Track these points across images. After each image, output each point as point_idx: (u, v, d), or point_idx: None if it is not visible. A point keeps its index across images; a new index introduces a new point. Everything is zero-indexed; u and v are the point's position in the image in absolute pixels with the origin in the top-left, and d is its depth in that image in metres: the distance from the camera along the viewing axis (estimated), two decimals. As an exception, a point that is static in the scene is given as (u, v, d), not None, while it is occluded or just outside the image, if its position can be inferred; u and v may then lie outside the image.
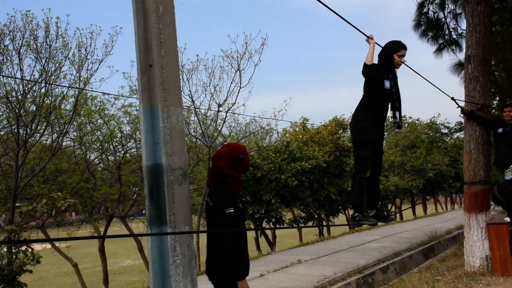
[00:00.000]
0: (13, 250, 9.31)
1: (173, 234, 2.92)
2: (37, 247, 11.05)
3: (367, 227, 19.70)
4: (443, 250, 14.15)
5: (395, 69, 5.39)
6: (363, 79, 5.25)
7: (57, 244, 16.78)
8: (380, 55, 5.35)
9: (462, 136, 11.60)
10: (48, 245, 16.97)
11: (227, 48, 14.56)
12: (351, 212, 24.70)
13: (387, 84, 5.18)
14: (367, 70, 5.06)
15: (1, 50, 11.41)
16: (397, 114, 5.26)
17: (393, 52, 5.27)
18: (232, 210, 3.96)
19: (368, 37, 5.14)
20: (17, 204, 11.44)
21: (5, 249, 9.26)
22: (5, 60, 11.52)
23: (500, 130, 8.52)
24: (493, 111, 12.17)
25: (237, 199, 4.14)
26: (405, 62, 5.34)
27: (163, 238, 2.99)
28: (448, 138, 35.35)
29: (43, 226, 15.54)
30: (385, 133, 36.02)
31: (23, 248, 9.31)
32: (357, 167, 5.27)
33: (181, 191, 3.04)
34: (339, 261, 11.51)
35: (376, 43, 5.21)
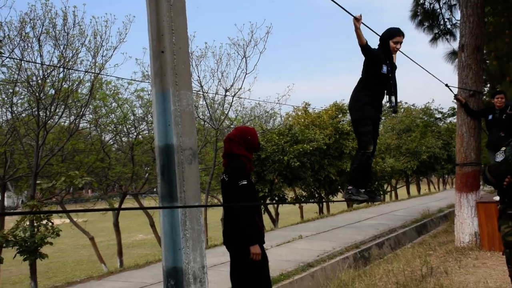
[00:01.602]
0: (35, 224, 9.42)
1: (183, 207, 2.94)
2: (56, 221, 11.16)
3: (364, 205, 19.76)
4: (435, 227, 14.19)
5: (393, 56, 5.28)
6: (362, 66, 5.19)
7: (74, 218, 16.92)
8: (379, 41, 5.27)
9: (455, 120, 11.55)
10: (67, 220, 17.10)
11: (234, 36, 14.49)
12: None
13: (384, 68, 5.09)
14: (364, 49, 4.94)
15: (23, 37, 11.40)
16: (393, 98, 5.18)
17: (389, 38, 5.16)
18: (245, 183, 4.15)
19: (355, 17, 4.77)
20: (38, 182, 11.51)
21: (28, 223, 9.36)
22: (26, 47, 11.54)
23: (490, 116, 8.48)
24: (484, 97, 12.11)
25: (250, 174, 4.29)
26: (399, 49, 5.23)
27: (174, 213, 3.02)
28: (442, 122, 35.33)
29: (62, 202, 15.66)
30: (382, 118, 36.03)
31: (44, 222, 9.42)
32: (359, 143, 5.19)
33: (190, 170, 3.06)
34: (338, 237, 11.57)
35: (369, 28, 5.06)
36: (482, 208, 8.55)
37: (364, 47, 4.92)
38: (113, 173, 16.36)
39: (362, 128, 5.09)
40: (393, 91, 5.20)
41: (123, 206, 17.30)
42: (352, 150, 19.44)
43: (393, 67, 5.28)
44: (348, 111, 5.60)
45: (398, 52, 5.37)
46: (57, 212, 2.06)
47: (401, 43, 5.22)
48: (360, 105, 5.12)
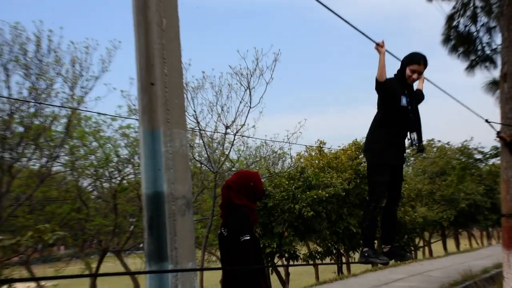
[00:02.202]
0: (-6, 289, 9.31)
1: (175, 272, 2.91)
2: (20, 286, 11.02)
3: (392, 264, 19.49)
4: (478, 292, 13.95)
5: (411, 85, 5.26)
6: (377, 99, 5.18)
7: (43, 283, 16.73)
8: (400, 66, 5.25)
9: (499, 162, 11.49)
10: (33, 284, 16.90)
11: (235, 64, 14.67)
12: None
13: (403, 100, 5.05)
14: (379, 86, 4.94)
15: (-14, 66, 11.57)
16: (414, 135, 5.13)
17: (407, 64, 5.14)
18: (248, 237, 4.06)
19: (377, 44, 4.91)
20: None
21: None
22: (-11, 77, 11.68)
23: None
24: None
25: (253, 228, 4.21)
26: (415, 79, 5.18)
27: (163, 276, 2.99)
28: (483, 164, 35.22)
29: (27, 262, 15.51)
30: (411, 159, 36.03)
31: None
32: (371, 194, 5.14)
33: (184, 223, 3.05)
34: (361, 303, 11.38)
35: (388, 51, 5.05)
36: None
37: (381, 84, 4.92)
38: (92, 226, 16.27)
39: (377, 177, 5.04)
40: (414, 126, 5.15)
41: (102, 265, 17.12)
42: (368, 196, 19.31)
43: (414, 98, 5.24)
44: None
45: (425, 80, 5.41)
46: (17, 281, 2.05)
47: (420, 73, 5.16)
48: (379, 147, 5.07)
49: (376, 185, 5.03)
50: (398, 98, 5.02)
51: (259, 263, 4.23)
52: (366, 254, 5.01)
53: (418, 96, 5.45)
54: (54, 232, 9.55)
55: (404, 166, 5.52)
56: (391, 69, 5.22)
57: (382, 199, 5.00)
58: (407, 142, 5.22)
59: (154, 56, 2.99)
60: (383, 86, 4.92)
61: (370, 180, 5.17)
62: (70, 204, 14.83)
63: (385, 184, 5.01)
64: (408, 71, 5.10)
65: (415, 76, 5.12)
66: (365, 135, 5.34)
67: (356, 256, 23.55)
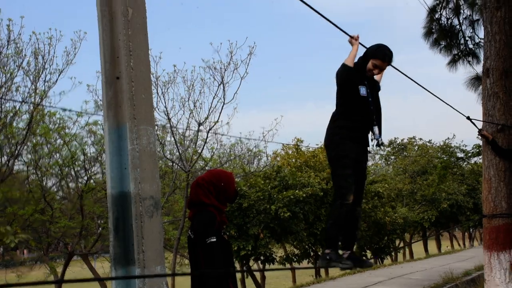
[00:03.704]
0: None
1: (140, 278, 2.89)
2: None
3: (373, 267, 19.65)
4: (460, 295, 14.12)
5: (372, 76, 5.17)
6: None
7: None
8: (363, 55, 5.15)
9: (481, 161, 11.66)
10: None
11: (209, 58, 14.62)
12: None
13: (362, 90, 4.94)
14: (345, 70, 4.89)
15: None
16: (376, 129, 5.00)
17: (370, 57, 5.03)
18: (214, 240, 3.99)
19: (351, 37, 4.95)
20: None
21: None
22: None
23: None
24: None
25: (221, 230, 4.19)
26: (374, 74, 5.11)
27: (130, 281, 2.96)
28: (465, 163, 35.68)
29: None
30: (392, 157, 36.35)
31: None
32: (335, 190, 4.99)
33: (151, 225, 3.02)
34: (339, 307, 11.44)
35: (361, 44, 5.04)
36: (517, 270, 8.54)
37: (349, 69, 4.89)
38: (57, 228, 16.11)
39: (339, 170, 4.91)
40: (375, 119, 5.03)
41: (68, 269, 16.97)
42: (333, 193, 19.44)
43: (374, 89, 5.16)
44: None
45: (405, 76, 5.38)
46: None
47: (381, 69, 5.11)
48: (338, 139, 4.95)
49: (341, 179, 4.88)
50: (356, 88, 4.93)
51: (227, 266, 4.19)
52: (328, 257, 4.84)
53: (376, 88, 5.34)
54: (16, 235, 9.41)
55: (367, 162, 5.35)
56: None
57: (348, 195, 4.83)
58: (370, 136, 5.11)
59: (119, 48, 2.96)
60: (348, 73, 4.88)
61: (334, 175, 5.04)
62: (33, 205, 14.64)
63: (350, 178, 4.85)
64: (370, 64, 5.00)
65: (375, 71, 5.04)
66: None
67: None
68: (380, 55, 5.00)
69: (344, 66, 4.89)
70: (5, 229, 9.39)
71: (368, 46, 5.12)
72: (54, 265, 18.09)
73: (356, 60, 5.11)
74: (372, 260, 25.27)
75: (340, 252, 4.98)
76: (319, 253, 22.08)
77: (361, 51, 5.14)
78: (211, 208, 4.15)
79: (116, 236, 2.98)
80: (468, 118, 8.86)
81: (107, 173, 3.05)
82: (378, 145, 5.08)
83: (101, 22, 3.03)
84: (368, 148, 5.18)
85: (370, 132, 5.04)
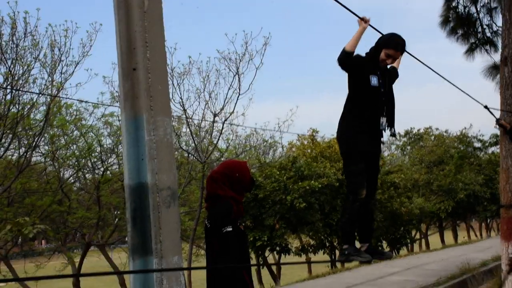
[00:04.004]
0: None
1: (158, 271, 2.91)
2: None
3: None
4: (477, 285, 14.07)
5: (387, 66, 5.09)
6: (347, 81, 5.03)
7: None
8: (374, 45, 5.04)
9: (498, 151, 11.55)
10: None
11: (224, 49, 14.62)
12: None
13: (374, 80, 4.85)
14: (343, 56, 4.72)
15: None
16: (384, 120, 4.92)
17: (383, 47, 4.93)
18: (230, 229, 4.01)
19: (361, 18, 4.75)
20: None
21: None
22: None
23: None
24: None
25: (237, 220, 4.20)
26: (388, 64, 5.03)
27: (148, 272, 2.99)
28: (482, 153, 35.42)
29: (6, 257, 15.49)
30: (408, 147, 36.16)
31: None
32: (348, 186, 4.97)
33: (169, 215, 3.04)
34: (355, 297, 11.45)
35: (374, 27, 4.91)
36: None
37: (348, 54, 4.73)
38: (74, 219, 16.26)
39: (351, 166, 4.88)
40: (385, 110, 4.95)
41: (86, 260, 17.12)
42: (346, 189, 19.38)
43: (387, 80, 5.07)
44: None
45: (422, 63, 5.30)
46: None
47: (394, 59, 5.02)
48: (350, 134, 4.90)
49: (352, 175, 4.86)
50: (367, 78, 4.85)
51: (243, 256, 4.20)
52: (346, 252, 4.85)
53: (392, 76, 5.29)
54: (34, 226, 9.51)
55: (380, 154, 5.33)
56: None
57: (360, 190, 4.80)
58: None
59: (135, 40, 2.97)
60: (348, 58, 4.75)
61: (346, 170, 5.04)
62: (51, 196, 14.77)
63: (362, 174, 4.82)
64: (383, 54, 4.92)
65: (389, 61, 4.96)
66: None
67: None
68: (393, 45, 4.92)
69: (342, 51, 4.73)
70: (24, 220, 9.51)
71: (382, 34, 5.08)
72: (72, 255, 18.29)
73: (368, 50, 5.04)
74: (391, 252, 25.23)
75: (358, 245, 5.00)
76: (335, 244, 22.09)
77: (372, 37, 5.05)
78: (228, 199, 4.16)
79: (133, 226, 3.00)
80: (485, 107, 8.79)
81: (124, 164, 3.07)
82: (392, 135, 5.08)
83: (117, 14, 3.04)
84: (381, 139, 5.12)
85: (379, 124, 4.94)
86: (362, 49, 4.98)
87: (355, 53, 4.80)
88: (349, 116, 4.95)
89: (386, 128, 4.97)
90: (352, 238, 4.91)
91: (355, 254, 4.80)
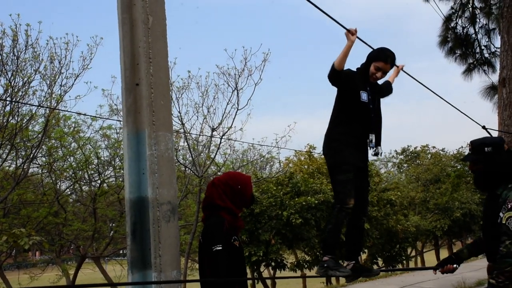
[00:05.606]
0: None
1: (158, 284, 2.92)
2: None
3: (383, 274, 19.55)
4: (472, 305, 14.02)
5: (376, 82, 5.02)
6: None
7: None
8: (365, 60, 4.99)
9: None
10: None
11: (223, 64, 14.63)
12: (364, 256, 24.54)
13: (363, 96, 4.79)
14: (334, 75, 4.68)
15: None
16: (373, 137, 4.83)
17: (372, 60, 4.88)
18: (220, 248, 3.79)
19: (348, 30, 4.64)
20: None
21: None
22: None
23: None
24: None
25: (231, 236, 3.99)
26: (379, 78, 4.94)
27: (147, 286, 2.99)
28: (479, 172, 35.38)
29: (0, 268, 15.40)
30: (405, 165, 36.16)
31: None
32: (335, 195, 4.79)
33: (168, 229, 3.06)
34: (350, 314, 11.41)
35: (362, 40, 4.90)
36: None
37: (336, 73, 4.67)
38: (69, 231, 16.20)
39: (338, 176, 4.73)
40: (373, 127, 4.87)
41: (80, 272, 17.03)
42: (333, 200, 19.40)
43: (377, 96, 5.02)
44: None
45: (420, 83, 5.28)
46: None
47: (384, 72, 4.92)
48: (337, 145, 4.79)
49: (339, 184, 4.71)
50: (357, 93, 4.79)
51: (236, 274, 4.03)
52: (325, 265, 4.58)
53: (385, 90, 5.24)
54: (30, 237, 9.47)
55: (368, 169, 5.13)
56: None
57: (347, 199, 4.63)
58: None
59: (139, 55, 3.00)
60: (337, 76, 4.69)
61: (333, 180, 4.88)
62: (47, 207, 14.72)
63: (349, 183, 4.67)
64: (372, 68, 4.86)
65: (379, 74, 4.88)
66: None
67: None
68: (382, 57, 4.86)
69: (332, 67, 4.68)
70: (20, 231, 9.48)
71: (367, 43, 5.05)
72: (67, 267, 18.19)
73: (359, 66, 5.01)
74: (382, 268, 25.07)
75: (345, 263, 4.82)
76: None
77: (362, 51, 5.06)
78: (223, 212, 3.98)
79: (133, 240, 3.01)
80: (483, 127, 8.81)
81: (125, 178, 3.08)
82: (375, 154, 4.94)
83: (121, 29, 3.07)
84: (368, 155, 4.99)
85: (368, 140, 4.86)
86: (354, 65, 4.99)
87: (345, 68, 4.74)
88: (336, 130, 4.86)
89: (374, 145, 4.86)
90: (333, 249, 4.67)
91: (335, 268, 4.57)
